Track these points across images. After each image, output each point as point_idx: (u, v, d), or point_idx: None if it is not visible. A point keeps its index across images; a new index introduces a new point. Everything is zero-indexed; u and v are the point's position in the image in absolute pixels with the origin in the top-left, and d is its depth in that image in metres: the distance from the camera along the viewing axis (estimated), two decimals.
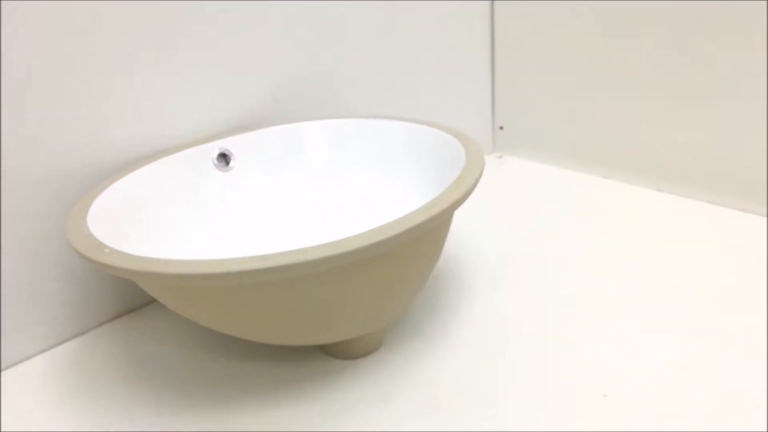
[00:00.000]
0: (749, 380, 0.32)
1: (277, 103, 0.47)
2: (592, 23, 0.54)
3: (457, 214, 0.53)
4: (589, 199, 0.55)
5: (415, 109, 0.58)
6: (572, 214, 0.52)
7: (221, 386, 0.35)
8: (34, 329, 0.39)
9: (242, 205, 0.42)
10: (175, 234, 0.37)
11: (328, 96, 0.50)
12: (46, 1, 0.35)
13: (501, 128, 0.66)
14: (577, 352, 0.36)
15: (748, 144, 0.48)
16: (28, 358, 0.39)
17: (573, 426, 0.31)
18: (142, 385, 0.36)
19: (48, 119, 0.36)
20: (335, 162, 0.44)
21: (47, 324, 0.39)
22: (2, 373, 0.37)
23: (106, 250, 0.29)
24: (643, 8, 0.50)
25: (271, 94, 0.46)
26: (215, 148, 0.42)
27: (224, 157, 0.42)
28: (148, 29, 0.39)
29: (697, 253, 0.44)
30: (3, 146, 0.35)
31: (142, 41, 0.39)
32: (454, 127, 0.41)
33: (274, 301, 0.29)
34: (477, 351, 0.37)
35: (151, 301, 0.44)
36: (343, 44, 0.50)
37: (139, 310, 0.43)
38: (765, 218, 0.48)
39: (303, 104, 0.48)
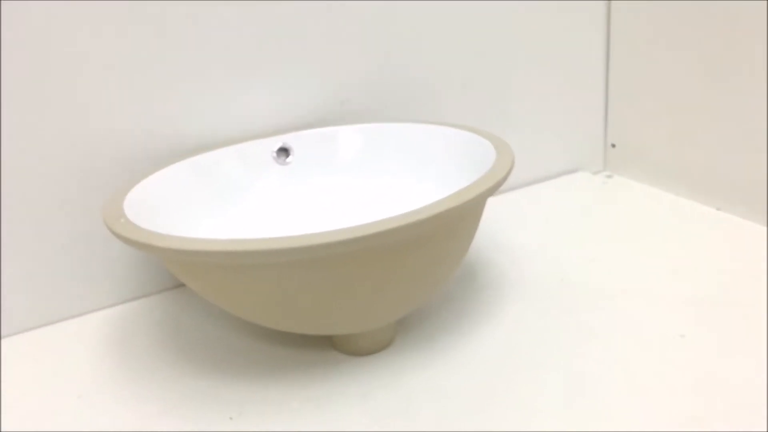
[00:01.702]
0: None
1: (345, 105, 0.48)
2: (724, 29, 0.49)
3: (534, 225, 0.51)
4: (694, 231, 0.49)
5: (509, 121, 0.56)
6: (666, 247, 0.47)
7: (228, 361, 0.38)
8: (94, 287, 0.44)
9: (292, 199, 0.44)
10: (215, 218, 0.41)
11: (408, 103, 0.51)
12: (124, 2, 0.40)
13: (613, 146, 0.61)
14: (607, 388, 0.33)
15: None
16: (83, 314, 0.45)
17: None
18: (164, 353, 0.39)
19: (121, 109, 0.42)
20: (382, 164, 0.45)
21: (106, 284, 0.45)
22: (66, 322, 0.44)
23: (122, 221, 0.32)
24: None
25: (339, 96, 0.48)
26: (277, 142, 0.45)
27: (284, 152, 0.45)
28: (220, 28, 0.43)
29: None
30: (96, 129, 0.41)
31: (215, 40, 0.43)
32: (487, 130, 0.40)
33: (280, 285, 0.31)
34: (487, 365, 0.35)
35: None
36: (427, 48, 0.51)
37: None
38: None
39: (373, 108, 0.50)
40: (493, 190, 0.33)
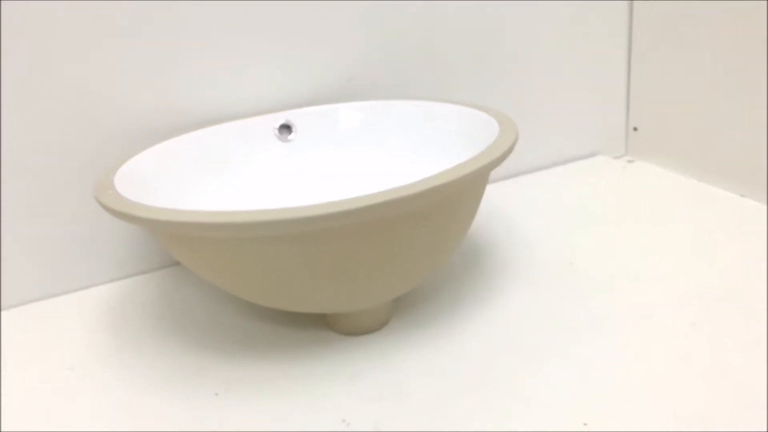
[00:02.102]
0: None
1: (352, 82, 0.47)
2: (753, 10, 0.46)
3: (547, 209, 0.49)
4: (716, 218, 0.47)
5: (525, 101, 0.55)
6: (686, 234, 0.44)
7: (221, 338, 0.37)
8: (95, 262, 0.44)
9: (292, 177, 0.43)
10: (211, 193, 0.40)
11: (418, 80, 0.50)
12: None
13: (635, 129, 0.59)
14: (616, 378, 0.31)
15: None
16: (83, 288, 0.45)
17: None
18: (159, 329, 0.39)
19: (123, 83, 0.41)
20: (385, 141, 0.43)
21: (107, 259, 0.45)
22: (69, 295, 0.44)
23: (109, 192, 0.32)
24: None
25: (346, 73, 0.47)
26: (279, 119, 0.44)
27: (287, 129, 0.44)
28: (226, 3, 0.42)
29: None
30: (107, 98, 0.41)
31: (220, 15, 0.42)
32: (494, 108, 0.39)
33: (269, 259, 0.30)
34: (484, 349, 0.34)
35: None
36: (439, 24, 0.49)
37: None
38: None
39: (381, 85, 0.48)
40: (493, 165, 0.31)
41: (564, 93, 0.56)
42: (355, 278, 0.31)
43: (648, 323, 0.35)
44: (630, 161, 0.59)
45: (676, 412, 0.29)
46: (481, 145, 0.34)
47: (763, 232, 0.43)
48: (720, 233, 0.44)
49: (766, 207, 0.47)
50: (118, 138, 0.42)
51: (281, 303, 0.34)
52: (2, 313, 0.42)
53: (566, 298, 0.38)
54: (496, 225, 0.48)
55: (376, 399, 0.31)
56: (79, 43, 0.40)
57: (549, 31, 0.53)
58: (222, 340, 0.37)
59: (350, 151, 0.44)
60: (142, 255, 0.45)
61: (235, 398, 0.32)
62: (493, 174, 0.55)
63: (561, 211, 0.50)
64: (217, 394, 0.32)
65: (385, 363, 0.34)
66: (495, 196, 0.53)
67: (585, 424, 0.28)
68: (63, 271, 0.43)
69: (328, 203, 0.27)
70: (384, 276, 0.32)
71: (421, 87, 0.50)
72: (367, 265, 0.31)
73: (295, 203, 0.28)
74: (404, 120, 0.43)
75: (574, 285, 0.40)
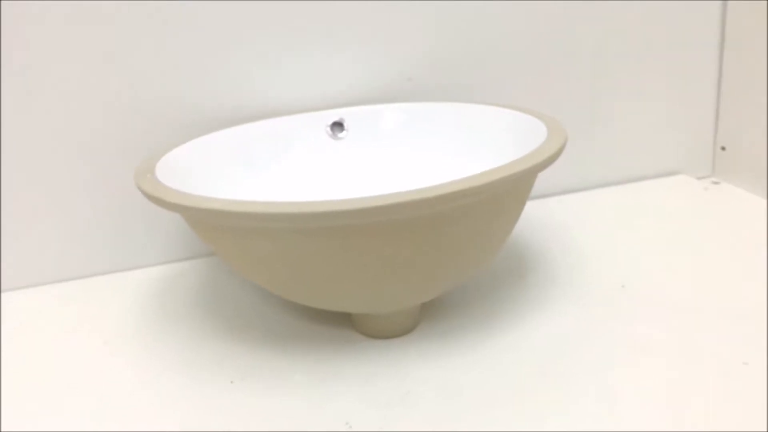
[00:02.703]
0: None
1: (410, 82, 0.47)
2: None
3: (612, 226, 0.46)
4: None
5: (599, 113, 0.52)
6: (762, 264, 0.40)
7: (249, 329, 0.38)
8: (142, 246, 0.47)
9: (339, 173, 0.43)
10: (254, 186, 0.41)
11: (480, 85, 0.48)
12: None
13: (722, 149, 0.54)
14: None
15: None
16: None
17: None
18: (191, 314, 0.40)
19: (185, 74, 0.43)
20: (434, 143, 0.42)
21: (154, 244, 0.47)
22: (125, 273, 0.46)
23: (148, 176, 0.33)
24: None
25: (406, 73, 0.46)
26: (332, 116, 0.44)
27: (339, 126, 0.44)
28: (289, 0, 0.43)
29: None
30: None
31: (281, 12, 0.43)
32: (539, 110, 0.38)
33: (297, 252, 0.29)
34: (511, 368, 0.32)
35: None
36: (507, 28, 0.47)
37: None
38: None
39: (440, 87, 0.47)
40: (539, 168, 0.30)
41: (646, 105, 0.53)
42: (389, 277, 0.30)
43: (692, 357, 0.32)
44: (715, 183, 0.54)
45: None
46: (528, 149, 0.33)
47: None
48: None
49: None
50: (176, 129, 0.43)
51: (305, 298, 0.34)
52: (51, 286, 0.45)
53: (609, 324, 0.36)
54: (552, 238, 0.46)
55: (383, 405, 0.30)
56: (140, 37, 0.41)
57: (633, 37, 0.50)
58: (249, 331, 0.37)
59: (396, 152, 0.43)
60: (186, 242, 0.47)
61: (248, 388, 0.32)
62: (558, 185, 0.53)
63: (626, 230, 0.47)
64: (232, 382, 0.33)
65: (400, 370, 0.33)
66: (558, 208, 0.51)
67: None
68: (111, 252, 0.46)
69: (380, 196, 0.26)
70: (416, 277, 0.31)
71: (483, 91, 0.48)
72: (403, 264, 0.30)
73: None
74: (454, 123, 0.42)
75: (621, 309, 0.37)
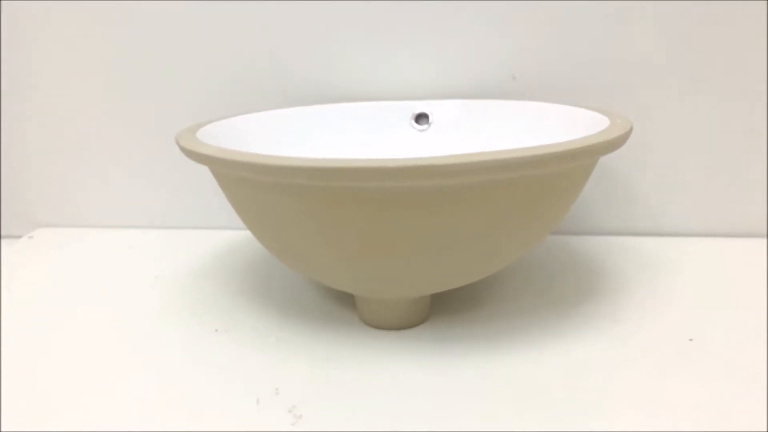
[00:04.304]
0: None
1: (515, 81, 0.43)
2: None
3: (717, 279, 0.38)
4: None
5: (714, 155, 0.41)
6: None
7: (260, 293, 0.38)
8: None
9: None
10: None
11: (587, 89, 0.43)
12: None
13: None
14: None
15: None
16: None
17: None
18: (214, 275, 0.42)
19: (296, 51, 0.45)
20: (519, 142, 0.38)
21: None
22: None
23: (196, 134, 0.36)
24: None
25: (510, 71, 0.43)
26: (419, 106, 0.43)
27: (424, 117, 0.43)
28: None
29: None
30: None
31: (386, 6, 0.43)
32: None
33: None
34: (510, 387, 0.28)
35: None
36: (632, 32, 0.41)
37: None
38: None
39: (545, 88, 0.43)
40: (595, 150, 0.27)
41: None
42: (391, 256, 0.29)
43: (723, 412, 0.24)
44: None
45: None
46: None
47: None
48: None
49: None
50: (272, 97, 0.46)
51: (307, 268, 0.33)
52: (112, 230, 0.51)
53: (667, 368, 0.29)
54: (615, 277, 0.39)
55: (334, 387, 0.29)
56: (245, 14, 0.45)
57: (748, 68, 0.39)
58: (258, 294, 0.38)
59: (474, 145, 0.40)
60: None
61: (230, 337, 0.33)
62: (653, 227, 0.45)
63: (729, 286, 0.37)
64: (216, 330, 0.34)
65: (363, 361, 0.31)
66: (644, 249, 0.43)
67: None
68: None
69: (383, 159, 0.25)
70: (424, 261, 0.29)
71: (591, 94, 0.43)
72: (408, 245, 0.28)
73: None
74: (537, 120, 0.38)
75: (679, 357, 0.29)
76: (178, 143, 0.32)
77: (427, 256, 0.29)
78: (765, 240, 0.44)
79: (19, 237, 0.51)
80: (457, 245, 0.28)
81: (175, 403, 0.28)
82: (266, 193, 0.29)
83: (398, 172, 0.25)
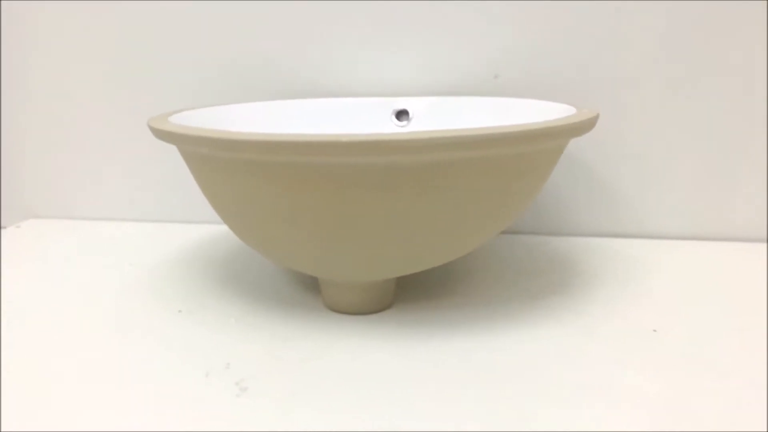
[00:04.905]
0: None
1: (497, 80, 0.43)
2: None
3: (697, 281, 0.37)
4: None
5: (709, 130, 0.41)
6: None
7: (229, 279, 0.38)
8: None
9: None
10: None
11: (570, 90, 0.42)
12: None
13: None
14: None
15: None
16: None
17: None
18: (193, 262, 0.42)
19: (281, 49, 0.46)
20: None
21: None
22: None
23: (169, 118, 0.36)
24: None
25: (493, 70, 0.43)
26: (400, 102, 0.43)
27: (405, 114, 0.43)
28: None
29: None
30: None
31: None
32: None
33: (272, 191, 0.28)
34: (471, 377, 0.28)
35: None
36: (615, 36, 0.41)
37: None
38: None
39: (528, 88, 0.43)
40: (563, 132, 0.28)
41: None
42: (357, 238, 0.29)
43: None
44: None
45: None
46: None
47: None
48: None
49: None
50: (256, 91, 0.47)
51: (267, 245, 0.32)
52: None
53: (629, 356, 0.28)
54: (588, 276, 0.38)
55: (276, 363, 0.29)
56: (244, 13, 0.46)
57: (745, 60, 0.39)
58: (228, 282, 0.38)
59: None
60: None
61: (189, 318, 0.33)
62: (636, 229, 0.44)
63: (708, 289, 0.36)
64: (180, 311, 0.34)
65: (320, 343, 0.30)
66: (625, 251, 0.42)
67: None
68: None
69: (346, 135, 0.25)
70: (393, 243, 0.29)
71: (575, 95, 0.42)
72: (375, 225, 0.28)
73: None
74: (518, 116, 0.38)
75: (641, 347, 0.29)
76: (148, 124, 0.33)
77: (387, 237, 0.29)
78: (750, 244, 0.43)
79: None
80: (417, 227, 0.28)
81: (125, 373, 0.28)
82: (227, 172, 0.30)
83: (352, 147, 0.26)
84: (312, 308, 0.34)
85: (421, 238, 0.29)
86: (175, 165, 0.47)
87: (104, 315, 0.34)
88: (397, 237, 0.29)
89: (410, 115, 0.43)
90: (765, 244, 0.42)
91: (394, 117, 0.43)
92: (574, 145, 0.43)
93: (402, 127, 0.43)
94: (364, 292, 0.33)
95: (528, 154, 0.29)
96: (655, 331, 0.31)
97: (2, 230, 0.50)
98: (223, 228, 0.48)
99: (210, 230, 0.48)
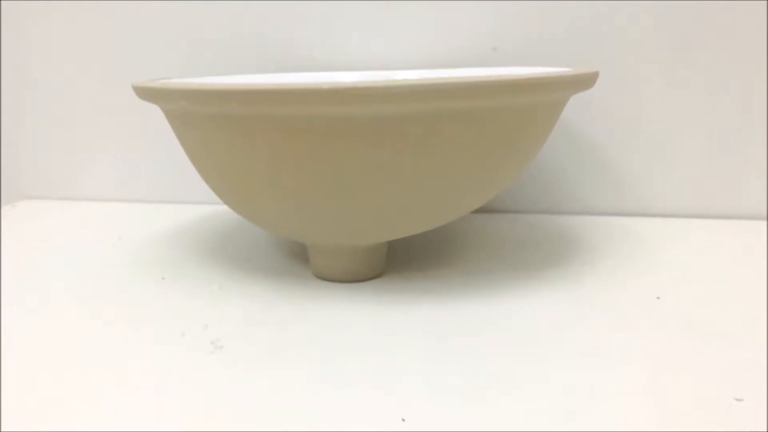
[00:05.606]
0: None
1: (495, 53, 0.42)
2: None
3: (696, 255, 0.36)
4: None
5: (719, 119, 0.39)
6: None
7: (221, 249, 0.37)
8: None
9: None
10: None
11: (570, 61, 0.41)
12: None
13: None
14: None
15: None
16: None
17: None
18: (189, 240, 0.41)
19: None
20: None
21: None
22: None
23: (159, 81, 0.36)
24: None
25: (491, 42, 0.42)
26: (397, 75, 0.42)
27: None
28: None
29: None
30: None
31: None
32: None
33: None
34: (469, 350, 0.26)
35: None
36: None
37: None
38: None
39: (527, 60, 0.41)
40: (565, 85, 0.28)
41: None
42: (343, 193, 0.27)
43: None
44: None
45: None
46: None
47: None
48: None
49: None
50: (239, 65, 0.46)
51: (252, 211, 0.31)
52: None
53: (631, 324, 0.26)
54: (589, 251, 0.36)
55: (255, 325, 0.27)
56: None
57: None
58: (215, 253, 0.37)
59: None
60: None
61: (172, 284, 0.32)
62: (642, 207, 0.43)
63: (707, 263, 0.34)
64: (163, 279, 0.33)
65: (303, 308, 0.29)
66: (630, 229, 0.41)
67: None
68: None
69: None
70: (383, 201, 0.28)
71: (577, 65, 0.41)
72: (365, 179, 0.27)
73: None
74: None
75: (645, 315, 0.27)
76: (132, 85, 0.32)
77: (372, 196, 0.27)
78: (755, 222, 0.41)
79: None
80: (403, 184, 0.27)
81: (104, 333, 0.27)
82: (207, 130, 0.29)
83: (334, 95, 0.24)
84: (300, 276, 0.33)
85: (408, 197, 0.28)
86: (168, 146, 0.47)
87: (91, 282, 0.33)
88: (383, 196, 0.27)
89: None
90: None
91: None
92: (580, 121, 0.41)
93: None
94: (352, 259, 0.32)
95: (514, 111, 0.27)
96: (658, 298, 0.29)
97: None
98: (216, 208, 0.47)
99: (203, 210, 0.47)
